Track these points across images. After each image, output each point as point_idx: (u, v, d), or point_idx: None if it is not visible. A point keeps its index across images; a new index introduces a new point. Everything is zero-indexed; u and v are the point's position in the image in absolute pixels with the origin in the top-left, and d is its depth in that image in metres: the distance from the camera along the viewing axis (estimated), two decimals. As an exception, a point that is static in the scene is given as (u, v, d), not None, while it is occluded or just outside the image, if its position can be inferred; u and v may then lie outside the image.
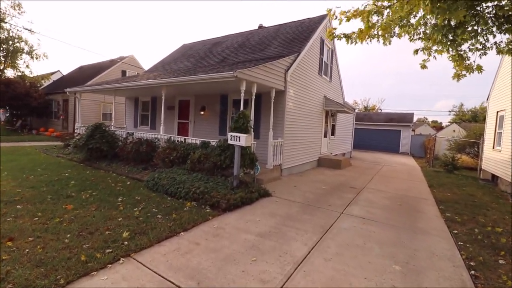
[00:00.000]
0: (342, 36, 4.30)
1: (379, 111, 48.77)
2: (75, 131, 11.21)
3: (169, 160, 6.95)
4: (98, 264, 2.85)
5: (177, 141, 7.94)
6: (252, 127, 6.53)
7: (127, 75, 20.30)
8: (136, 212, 4.36)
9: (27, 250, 3.03)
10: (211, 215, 4.48)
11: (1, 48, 19.49)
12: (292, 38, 10.51)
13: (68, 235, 3.43)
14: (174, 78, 7.75)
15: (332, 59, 12.35)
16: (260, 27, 13.58)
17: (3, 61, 20.15)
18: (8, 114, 21.48)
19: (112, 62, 21.18)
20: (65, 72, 29.00)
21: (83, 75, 21.65)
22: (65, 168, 7.49)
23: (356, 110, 24.20)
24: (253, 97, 6.98)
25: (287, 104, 8.38)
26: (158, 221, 4.06)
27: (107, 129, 8.63)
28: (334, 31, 4.29)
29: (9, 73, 21.18)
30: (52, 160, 8.68)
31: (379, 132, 23.91)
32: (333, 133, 13.20)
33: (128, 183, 6.17)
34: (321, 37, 10.74)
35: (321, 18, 11.15)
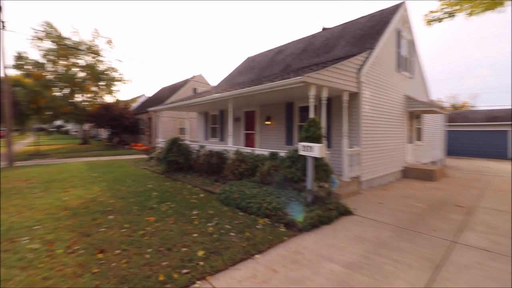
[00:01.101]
0: (442, 16, 3.41)
1: (472, 109, 40.68)
2: (157, 145, 12.50)
3: (238, 172, 6.87)
4: (175, 286, 2.72)
5: (245, 152, 7.87)
6: (325, 135, 5.89)
7: (197, 91, 22.08)
8: (210, 227, 4.25)
9: (114, 264, 3.14)
10: (286, 235, 4.04)
11: (101, 79, 23.77)
12: (361, 34, 9.49)
13: (149, 250, 3.47)
14: (240, 90, 7.77)
15: (411, 52, 10.68)
16: (324, 29, 12.86)
17: (103, 89, 24.52)
18: (108, 133, 25.87)
19: (185, 81, 23.44)
20: (149, 94, 33.55)
21: (162, 95, 24.59)
22: (149, 179, 8.24)
23: (444, 110, 20.48)
24: (324, 101, 6.36)
25: (363, 107, 7.42)
26: (232, 239, 3.83)
27: (182, 142, 9.23)
28: (432, 14, 3.44)
29: (107, 98, 25.64)
30: (139, 172, 9.75)
31: (478, 134, 19.62)
32: (419, 138, 11.27)
33: (202, 195, 6.29)
34: (396, 29, 9.38)
35: (395, 7, 9.79)
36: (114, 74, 24.26)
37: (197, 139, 14.29)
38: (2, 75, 11.56)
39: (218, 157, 8.15)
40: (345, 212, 5.02)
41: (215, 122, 13.49)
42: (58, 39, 21.65)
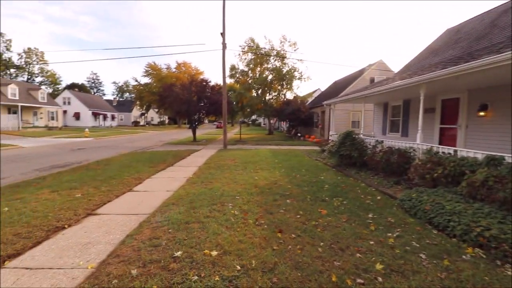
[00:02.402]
0: None
1: None
2: (329, 138, 12.62)
3: (430, 178, 5.40)
4: (350, 296, 2.42)
5: (442, 152, 6.06)
6: None
7: (375, 81, 20.05)
8: (391, 239, 3.55)
9: (290, 246, 3.31)
10: (524, 286, 2.58)
11: (284, 79, 27.20)
12: None
13: (321, 244, 3.38)
14: (438, 72, 5.99)
15: None
16: None
17: (285, 87, 28.06)
18: (287, 125, 29.56)
19: (360, 72, 22.02)
20: (323, 88, 34.76)
21: (336, 88, 24.57)
22: (321, 171, 8.41)
23: None
24: None
25: None
26: (422, 263, 2.97)
27: (357, 136, 8.64)
28: None
29: (288, 95, 29.11)
30: (312, 163, 10.25)
31: None
32: None
33: (378, 197, 5.52)
34: None
35: None
36: (295, 74, 27.10)
37: (372, 133, 13.00)
38: (223, 83, 16.09)
39: (400, 155, 6.86)
40: None
41: (396, 114, 11.61)
42: (256, 50, 27.14)
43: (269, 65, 27.76)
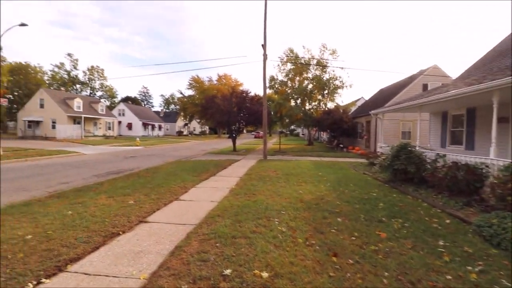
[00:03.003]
0: None
1: None
2: (377, 150, 11.70)
3: (515, 200, 4.52)
4: None
5: (527, 170, 5.08)
6: None
7: (428, 88, 18.34)
8: (473, 274, 2.96)
9: (348, 274, 2.94)
10: None
11: (325, 87, 26.45)
12: None
13: (386, 274, 2.95)
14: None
15: None
16: None
17: (326, 97, 27.26)
18: (328, 135, 28.51)
19: (411, 78, 20.38)
20: (367, 97, 33.01)
21: (382, 97, 23.06)
22: (372, 187, 7.73)
23: None
24: None
25: None
26: (525, 311, 2.37)
27: (413, 149, 7.80)
28: None
29: (329, 104, 28.20)
30: (360, 177, 9.54)
31: None
32: None
33: (447, 221, 4.79)
34: None
35: None
36: (336, 82, 26.24)
37: (428, 146, 11.74)
38: (263, 93, 16.18)
39: (469, 172, 5.96)
40: None
41: (457, 124, 10.34)
42: (295, 60, 27.02)
43: (309, 74, 27.38)
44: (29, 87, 48.69)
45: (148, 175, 9.25)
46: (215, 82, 58.25)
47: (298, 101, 27.99)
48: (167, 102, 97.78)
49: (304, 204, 5.74)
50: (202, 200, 6.17)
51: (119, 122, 49.99)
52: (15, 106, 43.51)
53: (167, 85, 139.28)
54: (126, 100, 73.94)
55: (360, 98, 35.74)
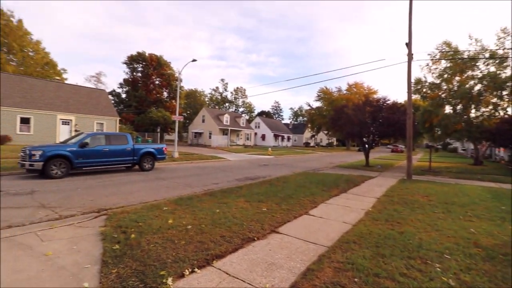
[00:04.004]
0: None
1: None
2: None
3: None
4: None
5: None
6: None
7: None
8: None
9: None
10: None
11: (504, 87, 19.17)
12: None
13: None
14: None
15: None
16: None
17: (507, 99, 19.72)
18: (510, 153, 20.48)
19: None
20: None
21: None
22: None
23: None
24: None
25: None
26: None
27: None
28: None
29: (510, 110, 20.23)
30: None
31: None
32: None
33: None
34: None
35: None
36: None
37: None
38: (408, 99, 13.57)
39: None
40: None
41: None
42: (453, 55, 21.36)
43: (476, 72, 20.88)
44: (196, 107, 64.78)
45: (278, 184, 9.65)
46: (345, 92, 55.80)
47: (458, 107, 21.84)
48: (296, 114, 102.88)
49: (482, 250, 4.06)
50: (333, 220, 5.63)
51: (255, 134, 56.93)
52: (187, 121, 58.54)
53: (296, 98, 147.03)
54: (261, 114, 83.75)
55: None
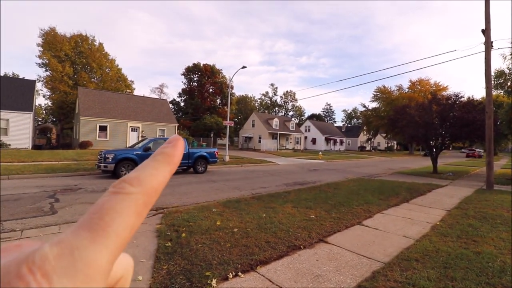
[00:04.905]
0: None
1: None
2: None
3: None
4: None
5: None
6: None
7: None
8: None
9: None
10: None
11: None
12: None
13: None
14: None
15: None
16: None
17: None
18: None
19: None
20: None
21: None
22: None
23: None
24: None
25: None
26: None
27: None
28: None
29: None
30: None
31: None
32: None
33: None
34: None
35: None
36: None
37: None
38: (486, 95, 11.53)
39: None
40: None
41: None
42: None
43: None
44: (246, 112, 66.65)
45: (329, 190, 9.16)
46: (406, 90, 50.73)
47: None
48: (349, 116, 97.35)
49: None
50: (391, 232, 5.05)
51: (305, 137, 55.69)
52: (238, 126, 60.59)
53: (349, 99, 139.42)
54: (312, 117, 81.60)
55: None
